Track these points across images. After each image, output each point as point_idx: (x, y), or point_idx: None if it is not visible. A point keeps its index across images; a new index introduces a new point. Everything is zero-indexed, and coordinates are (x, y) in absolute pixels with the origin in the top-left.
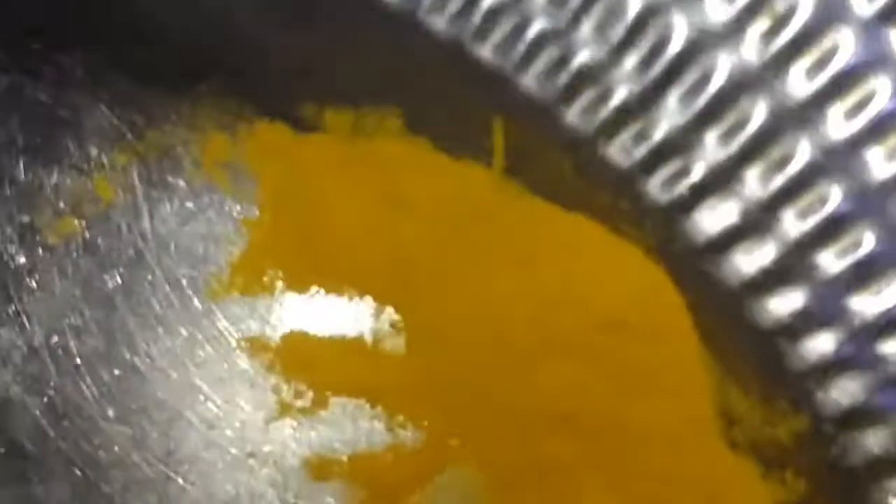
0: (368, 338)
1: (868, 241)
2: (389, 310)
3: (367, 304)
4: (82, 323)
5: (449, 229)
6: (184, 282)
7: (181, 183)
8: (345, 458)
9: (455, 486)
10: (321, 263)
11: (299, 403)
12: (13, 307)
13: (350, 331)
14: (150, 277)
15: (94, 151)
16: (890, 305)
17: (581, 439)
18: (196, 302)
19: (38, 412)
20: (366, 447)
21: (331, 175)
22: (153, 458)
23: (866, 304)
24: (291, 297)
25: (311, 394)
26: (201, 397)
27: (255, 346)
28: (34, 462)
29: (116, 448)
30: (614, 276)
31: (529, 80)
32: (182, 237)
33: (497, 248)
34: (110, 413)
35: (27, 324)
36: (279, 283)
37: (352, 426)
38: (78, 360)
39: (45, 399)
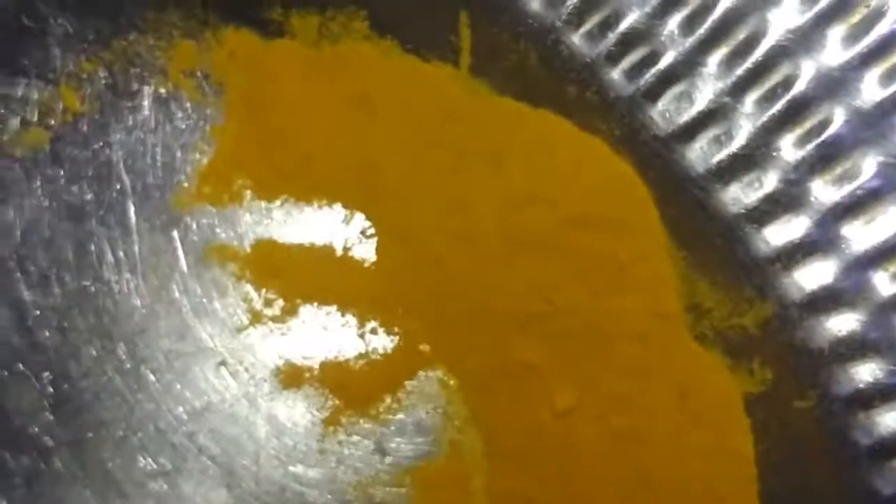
0: (338, 245)
1: (834, 121)
2: (359, 216)
3: (337, 211)
4: (50, 234)
5: (417, 132)
6: (152, 191)
7: (148, 92)
8: (316, 366)
9: (426, 391)
10: (290, 171)
11: (269, 312)
12: None
13: (320, 238)
14: (118, 187)
15: (60, 61)
16: (854, 186)
17: (550, 339)
18: (165, 211)
19: (6, 323)
20: (337, 354)
21: (298, 81)
22: (123, 368)
23: (831, 187)
24: (260, 206)
25: (281, 302)
26: (171, 307)
27: (225, 254)
28: (1, 374)
29: (86, 359)
30: (581, 171)
31: None
32: (150, 146)
33: (465, 148)
34: (79, 324)
35: None
36: (248, 192)
37: (322, 333)
38: (46, 271)
39: (12, 310)
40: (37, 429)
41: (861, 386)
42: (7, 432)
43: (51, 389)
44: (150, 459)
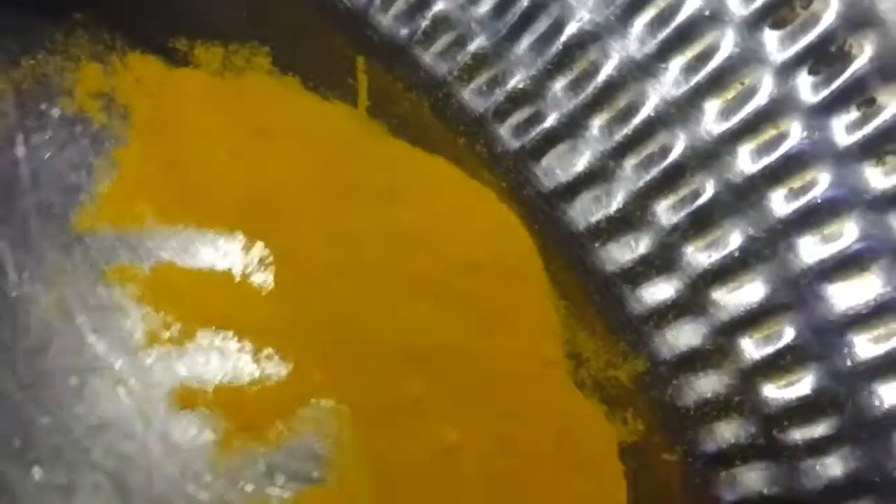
0: (237, 272)
1: (706, 190)
2: (259, 245)
3: (237, 239)
4: None
5: (315, 167)
6: (55, 210)
7: (55, 112)
8: (210, 389)
9: (319, 419)
10: (191, 197)
11: (167, 334)
12: None
13: (219, 264)
14: (21, 204)
15: None
16: (723, 253)
17: (436, 378)
18: (67, 230)
19: None
20: (232, 378)
21: (201, 109)
22: (22, 382)
23: (702, 253)
24: (161, 230)
25: (178, 325)
26: (70, 325)
27: (125, 275)
28: None
29: None
30: (469, 218)
31: (389, 21)
32: (54, 166)
33: (359, 185)
34: None
35: None
36: (149, 216)
37: (218, 358)
38: None
39: None
40: None
41: (724, 445)
42: None
43: None
44: (44, 472)
